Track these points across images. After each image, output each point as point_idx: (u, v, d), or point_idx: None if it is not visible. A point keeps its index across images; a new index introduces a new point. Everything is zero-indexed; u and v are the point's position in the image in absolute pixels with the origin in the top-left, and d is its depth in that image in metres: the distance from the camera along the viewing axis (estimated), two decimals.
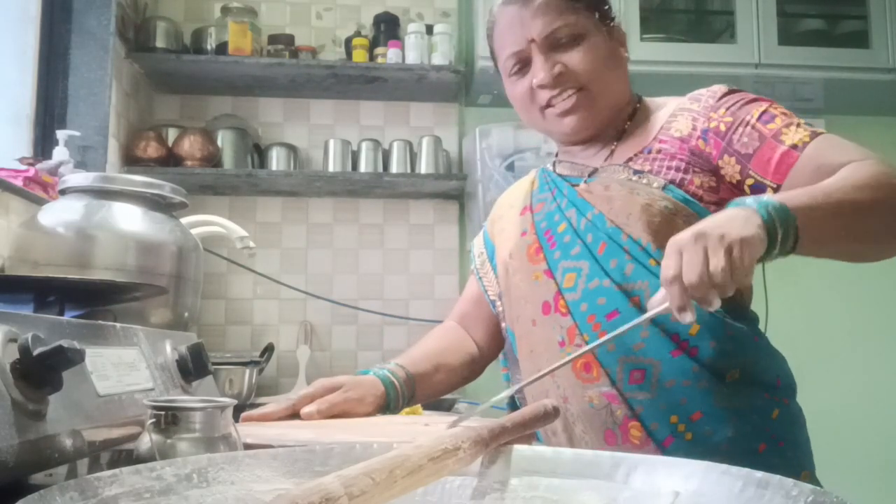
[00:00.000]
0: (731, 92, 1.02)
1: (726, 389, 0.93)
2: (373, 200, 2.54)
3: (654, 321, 0.94)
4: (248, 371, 1.75)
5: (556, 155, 1.18)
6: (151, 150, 2.23)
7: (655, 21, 2.53)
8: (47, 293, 0.87)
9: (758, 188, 0.93)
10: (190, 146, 2.26)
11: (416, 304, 2.51)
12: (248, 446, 0.64)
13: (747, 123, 0.96)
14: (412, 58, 2.36)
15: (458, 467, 0.53)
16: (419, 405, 1.14)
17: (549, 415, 0.68)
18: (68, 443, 0.62)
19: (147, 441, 0.60)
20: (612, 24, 1.08)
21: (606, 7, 1.09)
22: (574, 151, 1.13)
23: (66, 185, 1.24)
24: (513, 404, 1.14)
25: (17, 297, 0.87)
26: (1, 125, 1.90)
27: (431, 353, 1.16)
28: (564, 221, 1.05)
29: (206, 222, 1.62)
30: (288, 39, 2.42)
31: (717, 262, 0.71)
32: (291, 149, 2.43)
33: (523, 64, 1.06)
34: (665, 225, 0.95)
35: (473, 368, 1.21)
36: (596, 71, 1.03)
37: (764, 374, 0.97)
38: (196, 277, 1.30)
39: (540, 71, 1.04)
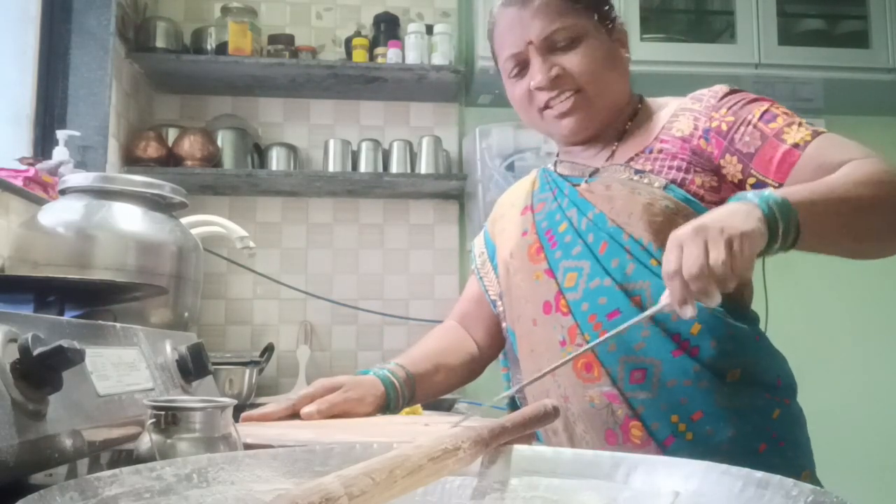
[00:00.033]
0: (732, 92, 1.02)
1: (727, 389, 0.93)
2: (373, 200, 2.54)
3: (655, 321, 0.94)
4: (248, 371, 1.75)
5: (557, 155, 1.18)
6: (151, 150, 2.23)
7: (655, 21, 2.53)
8: (47, 293, 0.87)
9: (759, 187, 0.93)
10: (190, 146, 2.26)
11: (416, 304, 2.51)
12: (248, 446, 0.64)
13: (749, 123, 0.96)
14: (412, 58, 2.36)
15: (458, 467, 0.53)
16: (419, 405, 1.14)
17: (549, 415, 0.68)
18: (68, 443, 0.62)
19: (147, 441, 0.60)
20: (612, 24, 1.08)
21: (607, 7, 1.08)
22: (575, 152, 1.13)
23: (66, 185, 1.24)
24: (513, 404, 1.14)
25: (17, 297, 0.87)
26: (1, 125, 1.90)
27: (431, 353, 1.16)
28: (565, 221, 1.05)
29: (206, 222, 1.62)
30: (288, 39, 2.42)
31: (718, 255, 0.72)
32: (291, 149, 2.43)
33: (522, 66, 1.07)
34: (666, 224, 0.95)
35: (473, 368, 1.21)
36: (593, 73, 1.03)
37: (765, 374, 0.97)
38: (196, 277, 1.30)
39: (537, 73, 1.04)
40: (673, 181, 0.99)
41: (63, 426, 0.61)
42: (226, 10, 2.41)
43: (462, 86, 2.51)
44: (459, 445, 0.53)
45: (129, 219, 1.20)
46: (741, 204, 0.78)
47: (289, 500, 0.37)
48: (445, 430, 0.55)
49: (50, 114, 2.04)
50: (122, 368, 0.77)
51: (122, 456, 0.76)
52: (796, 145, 0.91)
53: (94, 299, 1.00)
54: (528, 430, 0.64)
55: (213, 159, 2.29)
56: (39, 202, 1.58)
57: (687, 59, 2.37)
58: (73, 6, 2.09)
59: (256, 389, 1.83)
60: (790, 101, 2.47)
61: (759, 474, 0.47)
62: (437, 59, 2.36)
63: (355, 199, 2.53)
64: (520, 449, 0.60)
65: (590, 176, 1.08)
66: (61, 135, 1.82)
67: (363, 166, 2.39)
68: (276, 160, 2.39)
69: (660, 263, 0.94)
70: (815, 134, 0.92)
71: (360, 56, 2.37)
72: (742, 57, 2.38)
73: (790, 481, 0.45)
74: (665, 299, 0.77)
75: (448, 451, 0.51)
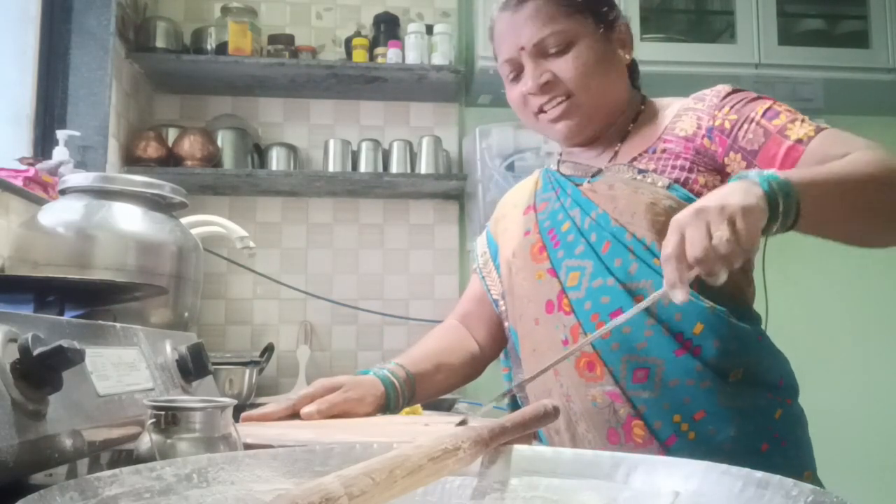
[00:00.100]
0: (735, 91, 1.03)
1: (729, 389, 0.93)
2: (373, 200, 2.54)
3: (658, 320, 0.94)
4: (248, 371, 1.75)
5: (560, 154, 1.18)
6: (151, 150, 2.23)
7: (655, 21, 2.53)
8: (47, 293, 0.87)
9: None
10: (190, 146, 2.26)
11: (416, 304, 2.51)
12: (248, 446, 0.64)
13: (752, 120, 0.96)
14: (412, 58, 2.36)
15: (458, 467, 0.53)
16: (419, 405, 1.14)
17: (550, 415, 0.68)
18: (68, 443, 0.62)
19: (147, 441, 0.60)
20: (611, 25, 1.08)
21: (605, 9, 1.08)
22: (577, 152, 1.13)
23: (66, 185, 1.24)
24: (514, 404, 1.14)
25: (17, 297, 0.87)
26: (1, 125, 1.90)
27: (432, 353, 1.16)
28: (568, 220, 1.05)
29: (206, 222, 1.62)
30: (288, 39, 2.42)
31: (721, 234, 0.72)
32: (291, 149, 2.43)
33: (517, 70, 1.07)
34: (669, 224, 0.95)
35: (474, 367, 1.21)
36: (584, 78, 1.03)
37: (767, 374, 0.97)
38: (196, 277, 1.30)
39: (529, 79, 1.05)
40: (676, 181, 0.99)
41: (63, 426, 0.61)
42: (226, 10, 2.41)
43: (462, 86, 2.51)
44: (459, 445, 0.53)
45: (129, 219, 1.20)
46: (741, 182, 0.78)
47: (289, 500, 0.37)
48: (445, 430, 0.55)
49: (50, 114, 2.04)
50: (122, 368, 0.77)
51: (122, 456, 0.76)
52: (800, 141, 0.92)
53: (94, 299, 1.00)
54: (528, 430, 0.64)
55: (213, 159, 2.29)
56: (39, 202, 1.58)
57: (687, 59, 2.37)
58: (73, 6, 2.09)
59: (256, 389, 1.83)
60: (790, 101, 2.45)
61: (758, 474, 0.47)
62: (437, 59, 2.36)
63: (355, 199, 2.53)
64: (520, 449, 0.60)
65: (592, 176, 1.08)
66: (61, 135, 1.82)
67: (363, 166, 2.39)
68: (276, 160, 2.39)
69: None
70: (818, 130, 0.93)
71: (360, 56, 2.37)
72: (742, 57, 2.38)
73: (790, 481, 0.45)
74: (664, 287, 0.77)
75: (448, 451, 0.51)
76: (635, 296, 0.95)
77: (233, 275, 2.42)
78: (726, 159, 0.98)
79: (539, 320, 1.04)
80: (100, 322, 0.80)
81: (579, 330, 0.99)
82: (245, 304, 2.45)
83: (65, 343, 0.57)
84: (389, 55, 2.36)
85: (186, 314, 1.28)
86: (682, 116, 1.05)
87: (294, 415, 0.95)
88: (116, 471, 0.48)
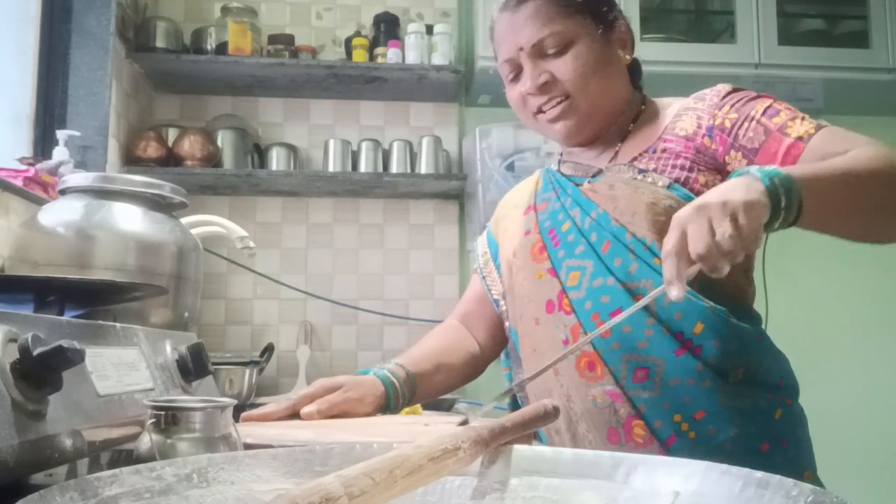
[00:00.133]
0: (735, 90, 1.03)
1: (730, 389, 0.93)
2: (373, 200, 2.54)
3: (659, 320, 0.94)
4: (248, 371, 1.75)
5: (561, 155, 1.18)
6: (151, 150, 2.23)
7: (655, 21, 2.53)
8: (47, 293, 0.87)
9: None
10: (190, 146, 2.26)
11: (416, 304, 2.51)
12: (248, 446, 0.64)
13: (752, 118, 0.96)
14: (412, 58, 2.36)
15: (458, 467, 0.53)
16: (419, 405, 1.14)
17: (549, 415, 0.68)
18: (68, 443, 0.62)
19: (147, 441, 0.60)
20: (610, 26, 1.08)
21: (605, 9, 1.08)
22: (577, 152, 1.14)
23: (66, 185, 1.24)
24: (514, 404, 1.14)
25: (17, 297, 0.87)
26: (1, 125, 1.90)
27: (432, 353, 1.16)
28: (568, 220, 1.05)
29: (206, 222, 1.62)
30: (288, 39, 2.42)
31: (724, 230, 0.72)
32: (291, 149, 2.43)
33: (517, 70, 1.08)
34: (669, 224, 0.95)
35: (475, 367, 1.21)
36: (582, 79, 1.03)
37: (767, 375, 0.97)
38: (196, 277, 1.30)
39: (527, 80, 1.05)
40: (676, 180, 0.99)
41: (63, 426, 0.61)
42: (226, 10, 2.41)
43: (462, 86, 2.51)
44: (459, 445, 0.53)
45: (129, 219, 1.20)
46: (743, 178, 0.78)
47: (289, 500, 0.37)
48: (445, 430, 0.55)
49: (50, 114, 2.04)
50: (122, 368, 0.77)
51: (122, 456, 0.76)
52: (800, 138, 0.92)
53: (94, 299, 1.00)
54: (528, 430, 0.64)
55: (213, 159, 2.29)
56: (39, 202, 1.58)
57: (687, 59, 2.37)
58: (73, 6, 2.09)
59: (256, 389, 1.83)
60: (790, 101, 2.46)
61: (758, 474, 0.47)
62: (437, 59, 2.36)
63: (355, 199, 2.53)
64: (520, 449, 0.60)
65: (593, 176, 1.08)
66: (61, 135, 1.82)
67: (363, 166, 2.39)
68: (276, 160, 2.39)
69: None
70: (819, 127, 0.93)
71: (360, 56, 2.37)
72: (742, 57, 2.38)
73: (790, 481, 0.45)
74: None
75: (448, 451, 0.51)
76: (635, 295, 0.95)
77: (233, 275, 2.42)
78: (727, 158, 0.98)
79: (539, 320, 1.04)
80: (100, 322, 0.80)
81: (580, 330, 0.99)
82: (245, 304, 2.45)
83: (65, 343, 0.57)
84: (389, 55, 2.36)
85: (186, 314, 1.28)
86: (682, 116, 1.05)
87: (294, 415, 0.95)
88: (116, 471, 0.48)
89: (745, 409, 0.93)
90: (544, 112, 1.07)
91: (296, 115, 2.55)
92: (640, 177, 1.02)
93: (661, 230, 0.96)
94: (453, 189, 2.47)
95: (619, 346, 0.95)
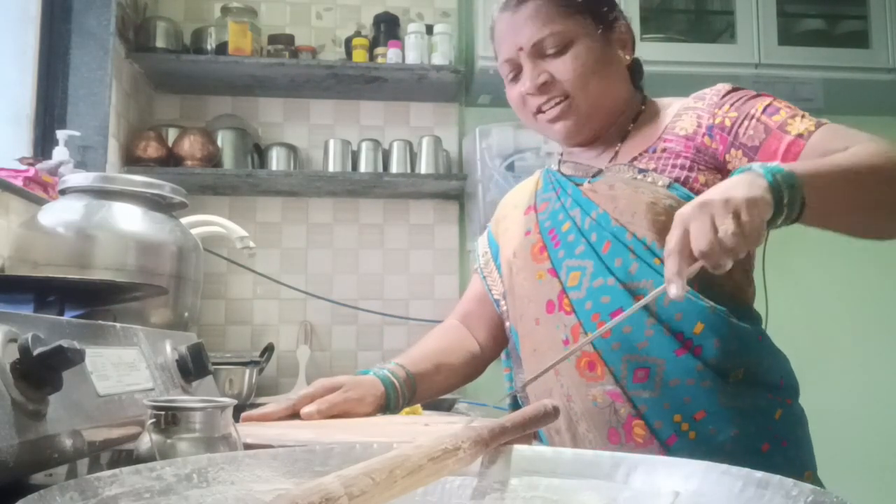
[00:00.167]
0: (734, 89, 1.03)
1: (730, 389, 0.93)
2: (373, 200, 2.54)
3: (659, 320, 0.94)
4: (248, 371, 1.75)
5: (561, 155, 1.18)
6: (151, 150, 2.23)
7: (655, 21, 2.53)
8: (47, 293, 0.87)
9: None
10: (190, 146, 2.26)
11: (416, 304, 2.50)
12: (248, 446, 0.64)
13: (752, 117, 0.96)
14: (412, 58, 2.36)
15: (458, 467, 0.53)
16: (419, 405, 1.14)
17: (549, 415, 0.68)
18: (68, 443, 0.62)
19: (147, 441, 0.60)
20: (610, 26, 1.08)
21: (605, 9, 1.08)
22: (577, 152, 1.14)
23: (66, 185, 1.24)
24: (515, 404, 1.14)
25: (17, 297, 0.87)
26: (1, 125, 1.90)
27: (432, 353, 1.16)
28: (569, 220, 1.05)
29: (206, 222, 1.62)
30: (288, 39, 2.42)
31: (727, 227, 0.71)
32: (291, 149, 2.43)
33: (517, 70, 1.08)
34: (669, 223, 0.95)
35: (475, 367, 1.21)
36: (581, 79, 1.03)
37: (768, 374, 0.97)
38: (196, 277, 1.30)
39: (526, 80, 1.05)
40: (676, 179, 0.99)
41: (63, 426, 0.61)
42: (226, 10, 2.41)
43: (462, 86, 2.51)
44: (459, 445, 0.53)
45: (129, 219, 1.20)
46: (745, 175, 0.78)
47: (289, 500, 0.37)
48: (445, 430, 0.55)
49: (50, 114, 2.04)
50: (122, 368, 0.77)
51: (122, 456, 0.76)
52: (800, 135, 0.92)
53: (94, 299, 1.00)
54: (528, 430, 0.64)
55: (213, 159, 2.29)
56: (39, 202, 1.58)
57: (687, 59, 2.37)
58: (73, 6, 2.09)
59: (256, 389, 1.83)
60: (790, 101, 2.47)
61: (758, 474, 0.47)
62: (437, 59, 2.36)
63: (355, 199, 2.53)
64: (520, 449, 0.60)
65: (593, 176, 1.08)
66: (61, 135, 1.82)
67: (363, 166, 2.39)
68: (276, 160, 2.39)
69: (663, 263, 0.94)
70: (819, 124, 0.93)
71: (360, 56, 2.37)
72: (742, 57, 2.38)
73: (790, 481, 0.45)
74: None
75: (448, 451, 0.51)
76: (636, 295, 0.95)
77: (233, 275, 2.42)
78: (727, 156, 0.98)
79: (540, 320, 1.04)
80: (100, 322, 0.80)
81: (580, 330, 0.99)
82: (245, 304, 2.45)
83: (65, 343, 0.57)
84: (389, 55, 2.36)
85: (186, 314, 1.28)
86: (682, 116, 1.05)
87: (294, 415, 0.95)
88: (116, 471, 0.48)
89: (745, 409, 0.93)
90: (544, 112, 1.07)
91: (296, 115, 2.55)
92: (640, 176, 1.02)
93: (662, 230, 0.96)
94: (453, 189, 2.47)
95: (620, 346, 0.95)
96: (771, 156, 0.93)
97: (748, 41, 2.38)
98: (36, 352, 0.57)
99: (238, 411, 0.77)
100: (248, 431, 0.74)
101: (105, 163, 2.06)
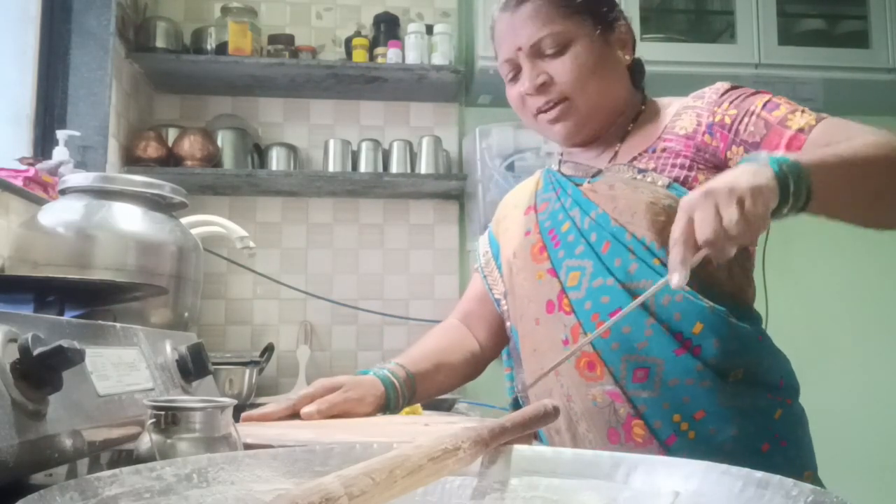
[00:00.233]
0: (733, 88, 1.03)
1: (730, 389, 0.93)
2: (373, 200, 2.54)
3: (658, 320, 0.94)
4: (248, 371, 1.75)
5: (561, 155, 1.18)
6: (151, 150, 2.23)
7: (655, 21, 2.53)
8: (47, 293, 0.87)
9: None
10: (190, 146, 2.26)
11: (416, 304, 2.50)
12: (248, 446, 0.64)
13: (752, 113, 0.97)
14: (412, 58, 2.36)
15: (458, 467, 0.53)
16: (419, 405, 1.14)
17: (550, 415, 0.68)
18: (68, 443, 0.62)
19: (147, 441, 0.60)
20: (610, 26, 1.08)
21: (604, 9, 1.08)
22: (577, 153, 1.14)
23: (66, 185, 1.24)
24: (516, 404, 1.14)
25: (17, 297, 0.87)
26: (1, 125, 1.90)
27: (432, 352, 1.16)
28: (568, 221, 1.05)
29: (206, 222, 1.62)
30: (288, 39, 2.42)
31: (731, 216, 0.71)
32: (291, 149, 2.43)
33: (516, 70, 1.08)
34: (669, 224, 0.95)
35: (475, 367, 1.21)
36: (580, 80, 1.03)
37: (767, 375, 0.97)
38: (196, 277, 1.30)
39: (525, 80, 1.05)
40: (676, 179, 0.99)
41: (63, 426, 0.61)
42: (226, 10, 2.41)
43: (462, 86, 2.51)
44: (459, 445, 0.53)
45: (129, 219, 1.20)
46: (751, 164, 0.78)
47: (289, 500, 0.37)
48: (445, 430, 0.55)
49: (50, 114, 2.04)
50: (122, 368, 0.77)
51: (122, 456, 0.76)
52: (801, 130, 0.92)
53: (94, 299, 1.00)
54: (528, 430, 0.64)
55: (213, 159, 2.29)
56: (39, 202, 1.58)
57: (687, 59, 2.37)
58: (73, 6, 2.09)
59: (256, 389, 1.83)
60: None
61: (758, 474, 0.47)
62: (437, 59, 2.36)
63: (355, 199, 2.53)
64: (520, 449, 0.60)
65: (593, 176, 1.08)
66: (61, 135, 1.82)
67: (363, 166, 2.39)
68: (276, 160, 2.39)
69: (662, 262, 0.94)
70: (819, 119, 0.93)
71: (360, 56, 2.37)
72: (742, 57, 2.38)
73: (790, 481, 0.45)
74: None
75: (448, 451, 0.51)
76: (635, 295, 0.95)
77: (233, 275, 2.42)
78: (728, 153, 0.98)
79: (540, 320, 1.04)
80: (100, 322, 0.80)
81: (579, 330, 0.99)
82: (245, 304, 2.45)
83: (65, 343, 0.57)
84: (389, 55, 2.36)
85: (186, 314, 1.28)
86: (681, 115, 1.05)
87: (294, 415, 0.95)
88: (116, 471, 0.48)
89: (744, 409, 0.93)
90: (544, 113, 1.07)
91: (296, 115, 2.55)
92: (639, 176, 1.02)
93: (661, 230, 0.96)
94: (453, 189, 2.47)
95: (619, 346, 0.95)
96: (772, 151, 0.93)
97: (748, 41, 2.38)
98: (36, 352, 0.57)
99: (238, 411, 0.77)
100: (248, 431, 0.74)
101: (105, 163, 2.06)
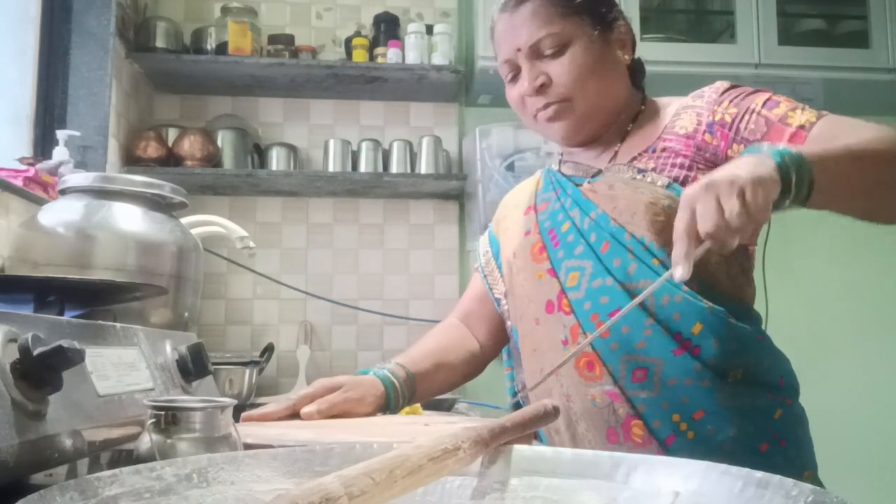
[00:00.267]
0: (733, 87, 1.03)
1: (729, 389, 0.93)
2: (373, 200, 2.54)
3: (657, 320, 0.94)
4: (248, 371, 1.75)
5: (562, 155, 1.19)
6: (151, 150, 2.23)
7: (655, 21, 2.53)
8: (47, 293, 0.87)
9: None
10: (190, 146, 2.26)
11: (416, 304, 2.50)
12: (248, 446, 0.64)
13: (753, 111, 0.97)
14: (412, 58, 2.36)
15: (458, 467, 0.53)
16: (419, 405, 1.14)
17: (549, 415, 0.68)
18: (68, 443, 0.62)
19: (147, 441, 0.60)
20: (609, 27, 1.08)
21: (604, 10, 1.08)
22: (576, 153, 1.14)
23: (66, 185, 1.24)
24: (516, 404, 1.14)
25: (17, 297, 0.87)
26: (1, 125, 1.90)
27: (431, 352, 1.16)
28: (568, 221, 1.06)
29: (206, 222, 1.62)
30: (288, 39, 2.42)
31: (732, 207, 0.71)
32: (291, 149, 2.43)
33: (516, 71, 1.08)
34: (668, 224, 0.95)
35: (475, 366, 1.21)
36: (579, 80, 1.03)
37: (767, 375, 0.97)
38: (196, 277, 1.30)
39: (524, 81, 1.05)
40: (675, 179, 0.99)
41: (63, 426, 0.61)
42: (226, 10, 2.41)
43: (462, 86, 2.51)
44: (459, 445, 0.53)
45: (129, 219, 1.20)
46: (753, 156, 0.78)
47: (289, 500, 0.37)
48: (445, 430, 0.55)
49: (50, 114, 2.04)
50: (122, 368, 0.77)
51: (122, 456, 0.76)
52: (802, 127, 0.92)
53: (94, 299, 1.00)
54: (528, 430, 0.64)
55: (213, 159, 2.29)
56: (39, 202, 1.58)
57: (687, 59, 2.37)
58: (73, 6, 2.09)
59: (256, 389, 1.83)
60: None
61: (758, 474, 0.47)
62: (437, 59, 2.36)
63: (355, 199, 2.53)
64: (520, 449, 0.60)
65: (592, 176, 1.08)
66: (61, 135, 1.82)
67: (363, 166, 2.39)
68: (276, 160, 2.39)
69: (661, 263, 0.94)
70: (819, 116, 0.93)
71: (360, 56, 2.37)
72: (742, 57, 2.38)
73: (790, 481, 0.45)
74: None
75: (448, 451, 0.51)
76: (634, 296, 0.95)
77: (233, 275, 2.42)
78: (729, 152, 0.98)
79: (539, 320, 1.04)
80: (100, 322, 0.80)
81: (579, 330, 0.99)
82: (245, 304, 2.45)
83: (65, 343, 0.57)
84: (389, 55, 2.36)
85: (186, 314, 1.28)
86: (681, 115, 1.05)
87: (294, 415, 0.95)
88: (116, 471, 0.48)
89: (744, 409, 0.93)
90: (542, 111, 1.07)
91: (296, 115, 2.55)
92: (639, 176, 1.02)
93: (660, 230, 0.96)
94: (453, 189, 2.47)
95: (618, 347, 0.95)
96: None
97: (748, 41, 2.38)
98: (36, 352, 0.57)
99: (238, 411, 0.77)
100: (248, 431, 0.74)
101: (105, 163, 2.06)
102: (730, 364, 0.94)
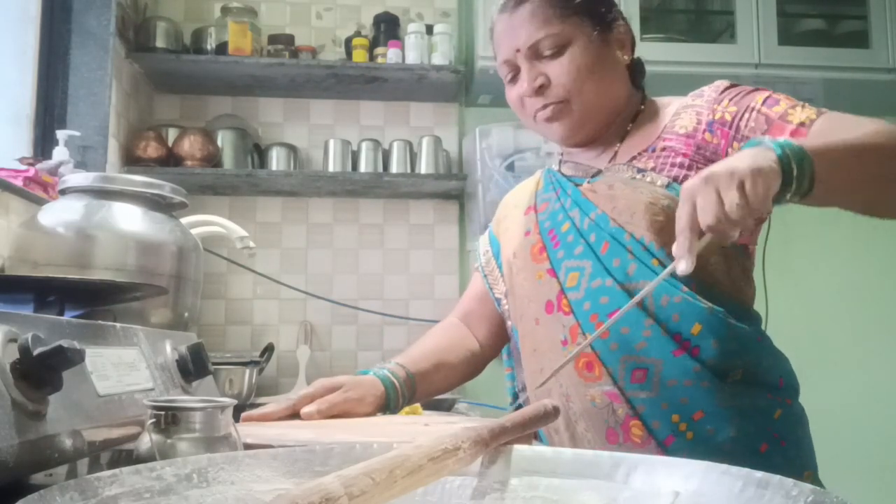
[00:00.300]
0: (732, 86, 1.03)
1: (728, 389, 0.93)
2: (373, 200, 2.54)
3: (657, 321, 0.94)
4: (248, 371, 1.75)
5: (562, 155, 1.19)
6: (151, 150, 2.23)
7: (655, 21, 2.53)
8: (47, 293, 0.87)
9: None
10: (190, 146, 2.26)
11: (416, 304, 2.50)
12: (248, 446, 0.64)
13: (753, 109, 0.97)
14: (412, 58, 2.36)
15: (458, 467, 0.53)
16: (419, 405, 1.14)
17: (549, 415, 0.68)
18: (68, 443, 0.62)
19: (147, 441, 0.60)
20: (608, 27, 1.08)
21: (603, 10, 1.08)
22: (576, 153, 1.14)
23: (66, 185, 1.24)
24: (517, 406, 1.14)
25: (17, 297, 0.87)
26: (1, 125, 1.90)
27: (431, 352, 1.16)
28: (568, 221, 1.06)
29: (206, 222, 1.62)
30: (288, 39, 2.42)
31: (732, 200, 0.71)
32: (291, 149, 2.43)
33: (515, 72, 1.08)
34: (667, 224, 0.95)
35: (475, 366, 1.21)
36: (578, 81, 1.03)
37: (767, 375, 0.97)
38: (196, 277, 1.30)
39: (523, 82, 1.06)
40: (675, 179, 0.99)
41: (63, 426, 0.61)
42: (226, 10, 2.41)
43: (462, 86, 2.51)
44: (459, 445, 0.53)
45: (129, 219, 1.20)
46: (754, 147, 0.78)
47: (289, 500, 0.37)
48: (445, 430, 0.55)
49: (50, 114, 2.04)
50: (122, 368, 0.77)
51: (122, 456, 0.76)
52: (802, 124, 0.92)
53: (94, 299, 1.00)
54: (528, 430, 0.64)
55: (213, 159, 2.29)
56: (39, 202, 1.58)
57: (687, 59, 2.37)
58: (73, 6, 2.09)
59: (256, 389, 1.83)
60: None
61: (758, 474, 0.47)
62: (437, 59, 2.36)
63: (355, 199, 2.53)
64: (520, 449, 0.60)
65: (592, 176, 1.08)
66: (61, 135, 1.82)
67: (363, 166, 2.39)
68: (276, 160, 2.39)
69: (661, 263, 0.94)
70: (820, 113, 0.94)
71: (360, 56, 2.37)
72: (742, 57, 2.38)
73: (790, 481, 0.45)
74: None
75: (448, 451, 0.51)
76: (633, 296, 0.95)
77: (233, 275, 2.42)
78: (730, 150, 0.98)
79: (539, 320, 1.04)
80: (100, 322, 0.80)
81: (578, 330, 0.99)
82: (245, 304, 2.45)
83: (65, 343, 0.57)
84: (389, 55, 2.36)
85: (186, 314, 1.28)
86: (681, 114, 1.05)
87: (294, 415, 0.95)
88: (116, 471, 0.48)
89: (743, 410, 0.93)
90: (541, 111, 1.07)
91: (296, 115, 2.55)
92: (638, 176, 1.02)
93: (660, 230, 0.96)
94: (453, 189, 2.47)
95: (618, 347, 0.95)
96: None
97: (748, 41, 2.38)
98: (36, 352, 0.57)
99: (238, 411, 0.77)
100: (248, 431, 0.74)
101: (105, 163, 2.06)
102: (729, 364, 0.94)
